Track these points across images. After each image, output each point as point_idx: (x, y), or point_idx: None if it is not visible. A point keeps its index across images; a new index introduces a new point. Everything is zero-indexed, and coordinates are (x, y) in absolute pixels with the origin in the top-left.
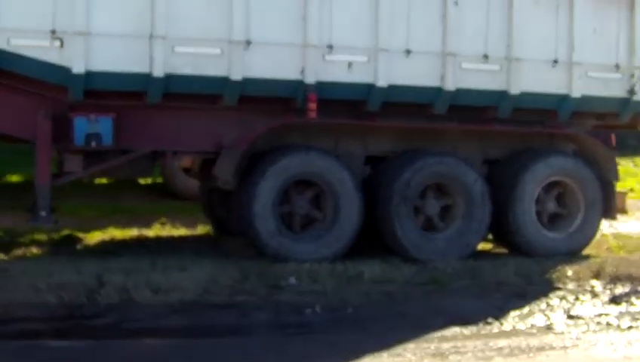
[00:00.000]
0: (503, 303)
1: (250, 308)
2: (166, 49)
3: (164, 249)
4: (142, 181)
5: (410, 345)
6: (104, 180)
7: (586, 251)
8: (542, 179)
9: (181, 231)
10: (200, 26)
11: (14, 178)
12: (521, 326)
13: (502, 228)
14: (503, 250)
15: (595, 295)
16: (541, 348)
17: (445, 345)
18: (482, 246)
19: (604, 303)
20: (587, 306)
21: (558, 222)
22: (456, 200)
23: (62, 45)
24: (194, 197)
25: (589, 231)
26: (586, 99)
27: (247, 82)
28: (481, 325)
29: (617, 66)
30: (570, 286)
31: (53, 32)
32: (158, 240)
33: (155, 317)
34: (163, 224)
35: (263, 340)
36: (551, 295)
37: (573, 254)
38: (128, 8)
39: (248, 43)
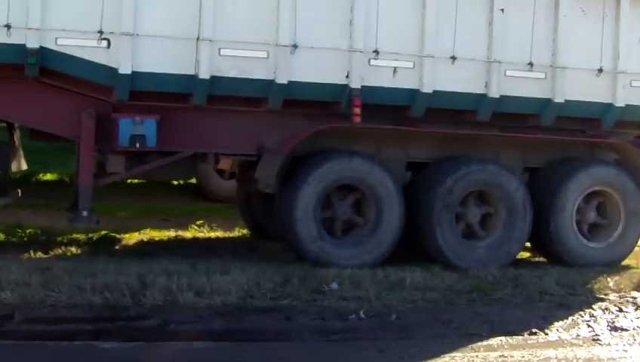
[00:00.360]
0: (546, 313)
1: (293, 313)
2: (212, 51)
3: (202, 251)
4: (174, 182)
5: (458, 354)
6: (136, 180)
7: (625, 262)
8: (583, 189)
9: (218, 234)
10: (246, 29)
11: (47, 176)
12: (566, 336)
13: (542, 236)
14: (542, 259)
15: (637, 306)
16: (588, 360)
17: (492, 355)
18: (520, 254)
19: None
20: (631, 318)
21: (599, 232)
22: (497, 208)
23: (109, 46)
24: (227, 199)
25: (629, 242)
26: (629, 109)
27: (292, 86)
28: (526, 335)
29: None
30: (612, 297)
31: (100, 32)
32: (196, 242)
33: (200, 320)
34: (199, 226)
35: (309, 345)
36: (594, 306)
37: (613, 265)
38: (175, 10)
39: (295, 47)
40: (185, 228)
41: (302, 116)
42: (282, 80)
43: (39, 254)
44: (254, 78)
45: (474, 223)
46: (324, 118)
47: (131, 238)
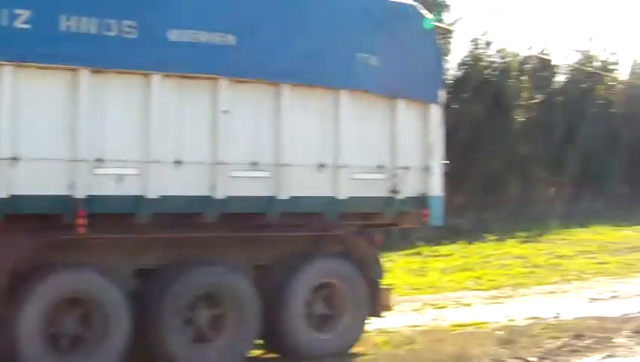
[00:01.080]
0: None
1: None
2: None
3: None
4: None
5: None
6: None
7: (354, 349)
8: (310, 282)
9: None
10: None
11: None
12: None
13: (272, 332)
14: (274, 355)
15: None
16: None
17: None
18: (253, 352)
19: None
20: None
21: (328, 323)
22: (227, 308)
23: None
24: None
25: (356, 330)
26: (352, 201)
27: (13, 200)
28: None
29: (381, 167)
30: None
31: None
32: None
33: None
34: None
35: None
36: None
37: (343, 353)
38: None
39: (15, 159)
40: None
41: (24, 230)
42: (2, 194)
43: None
44: None
45: (204, 326)
46: (48, 231)
47: None
